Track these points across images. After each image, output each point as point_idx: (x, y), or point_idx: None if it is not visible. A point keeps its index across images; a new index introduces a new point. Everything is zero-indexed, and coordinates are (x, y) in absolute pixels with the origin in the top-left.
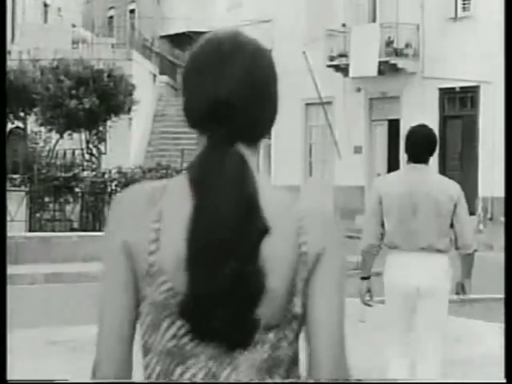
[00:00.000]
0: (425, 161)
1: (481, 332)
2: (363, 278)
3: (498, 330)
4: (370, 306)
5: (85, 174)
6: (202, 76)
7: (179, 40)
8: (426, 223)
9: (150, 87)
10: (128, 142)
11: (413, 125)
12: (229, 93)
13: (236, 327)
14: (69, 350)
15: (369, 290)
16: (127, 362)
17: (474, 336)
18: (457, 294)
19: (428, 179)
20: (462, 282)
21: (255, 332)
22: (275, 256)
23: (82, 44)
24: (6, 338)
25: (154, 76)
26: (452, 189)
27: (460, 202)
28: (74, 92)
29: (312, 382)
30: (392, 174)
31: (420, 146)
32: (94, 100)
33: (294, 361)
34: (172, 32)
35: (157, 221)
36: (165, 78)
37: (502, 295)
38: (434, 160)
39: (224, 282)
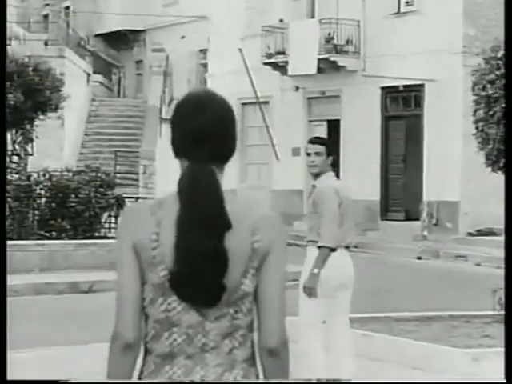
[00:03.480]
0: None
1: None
2: (319, 272)
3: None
4: (315, 296)
5: (9, 177)
6: (185, 118)
7: (115, 38)
8: (352, 223)
9: (83, 86)
10: (60, 143)
11: None
12: (204, 128)
13: (209, 290)
14: None
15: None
16: (139, 329)
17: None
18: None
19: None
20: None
21: (223, 294)
22: (235, 249)
23: (14, 41)
24: (6, 339)
25: (88, 75)
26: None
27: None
28: None
29: (312, 382)
30: (336, 179)
31: None
32: (19, 96)
33: (249, 327)
34: (107, 30)
35: (156, 226)
36: (99, 77)
37: (462, 312)
38: (376, 163)
39: (200, 258)
